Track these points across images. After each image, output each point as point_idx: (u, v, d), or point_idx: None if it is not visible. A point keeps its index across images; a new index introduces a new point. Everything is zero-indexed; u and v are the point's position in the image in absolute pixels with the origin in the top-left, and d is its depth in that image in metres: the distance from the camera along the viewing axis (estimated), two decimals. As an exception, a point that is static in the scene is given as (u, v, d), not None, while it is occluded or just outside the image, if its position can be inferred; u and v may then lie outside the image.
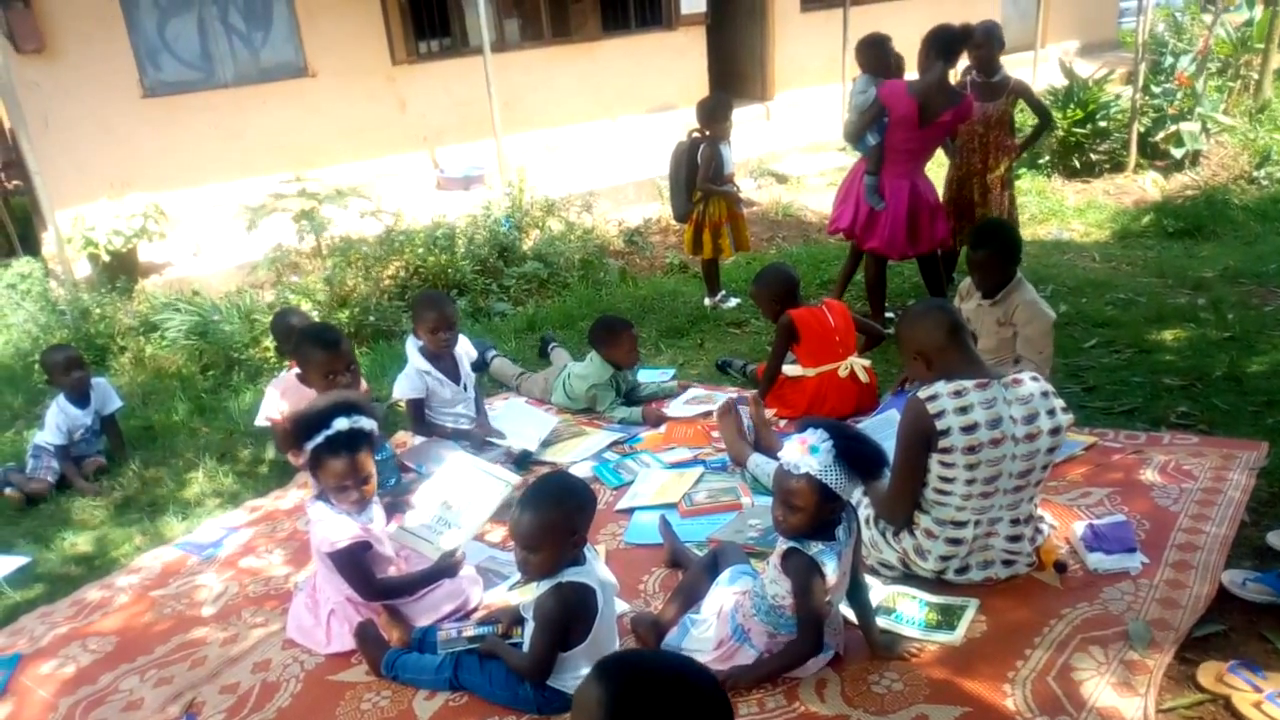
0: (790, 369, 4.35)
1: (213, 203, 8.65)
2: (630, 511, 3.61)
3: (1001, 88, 5.45)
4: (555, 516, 2.41)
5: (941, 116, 4.83)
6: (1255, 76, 10.02)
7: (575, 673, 2.50)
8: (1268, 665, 2.42)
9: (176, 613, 3.27)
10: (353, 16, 9.56)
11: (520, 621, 2.65)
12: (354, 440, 2.81)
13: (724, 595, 2.71)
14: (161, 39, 8.81)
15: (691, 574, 2.92)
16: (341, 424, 2.80)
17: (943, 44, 4.82)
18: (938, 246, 5.27)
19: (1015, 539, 2.81)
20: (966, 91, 5.17)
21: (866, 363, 4.32)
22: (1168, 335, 4.90)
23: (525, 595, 2.83)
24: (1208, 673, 2.42)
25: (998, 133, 5.45)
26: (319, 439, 2.78)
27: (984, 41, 5.40)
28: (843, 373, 4.24)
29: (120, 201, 7.39)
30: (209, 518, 3.96)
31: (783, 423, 4.24)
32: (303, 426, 2.83)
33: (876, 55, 5.52)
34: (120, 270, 7.29)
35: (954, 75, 5.23)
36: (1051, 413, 2.72)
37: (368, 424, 2.86)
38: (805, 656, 2.52)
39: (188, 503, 4.12)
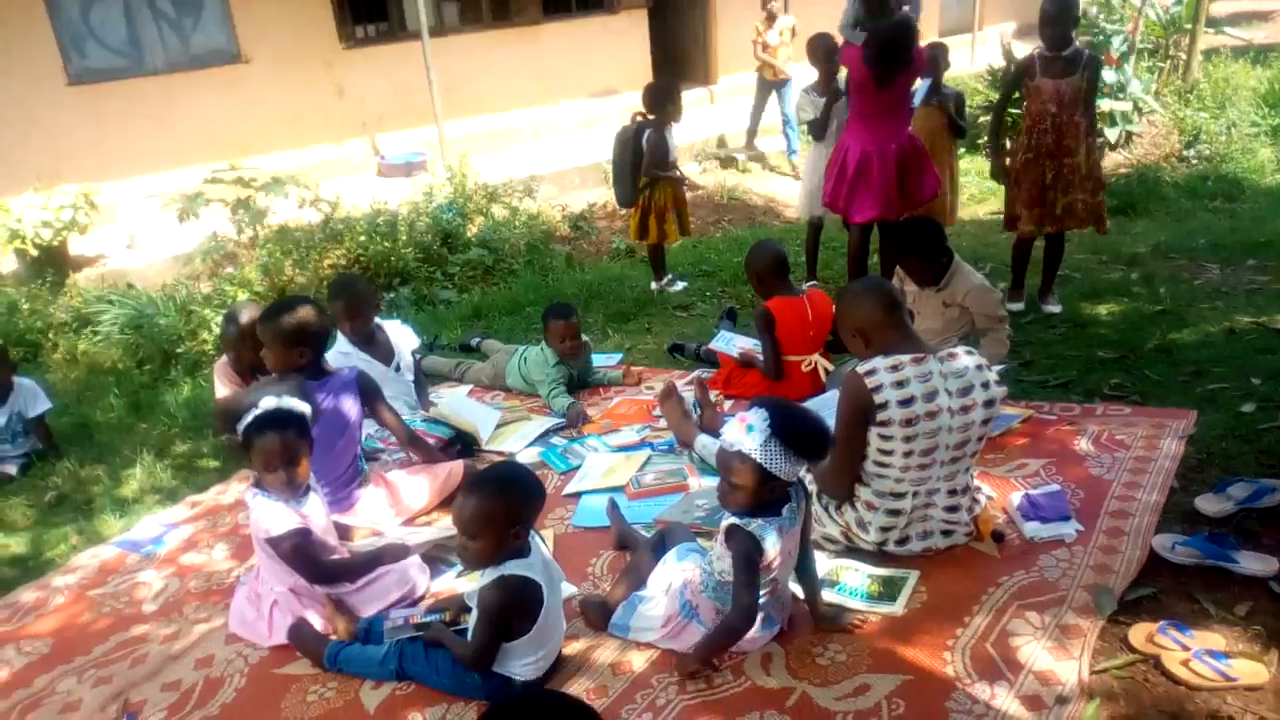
0: (754, 349, 4.35)
1: (146, 193, 8.42)
2: (578, 495, 3.61)
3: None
4: (497, 506, 2.39)
5: (897, 83, 4.86)
6: (1184, 57, 10.26)
7: (522, 660, 2.50)
8: (1195, 624, 2.51)
9: (116, 611, 3.20)
10: (287, 1, 9.36)
11: (467, 609, 2.63)
12: (282, 420, 2.78)
13: (671, 572, 2.73)
14: (86, 25, 8.54)
15: (639, 555, 2.94)
16: (269, 403, 2.78)
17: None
18: (930, 200, 5.20)
19: (953, 509, 2.87)
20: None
21: (830, 365, 4.26)
22: (1102, 310, 5.03)
23: (472, 582, 2.82)
24: (1139, 634, 2.49)
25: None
26: (248, 419, 2.76)
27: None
28: (805, 367, 4.21)
29: (48, 193, 7.16)
30: (148, 514, 3.88)
31: (728, 404, 4.26)
32: (234, 409, 2.82)
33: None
34: (49, 264, 7.08)
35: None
36: (985, 385, 2.78)
37: (297, 406, 2.83)
38: (736, 632, 2.48)
39: (125, 500, 4.02)
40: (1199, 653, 2.36)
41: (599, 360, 4.88)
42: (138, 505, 3.97)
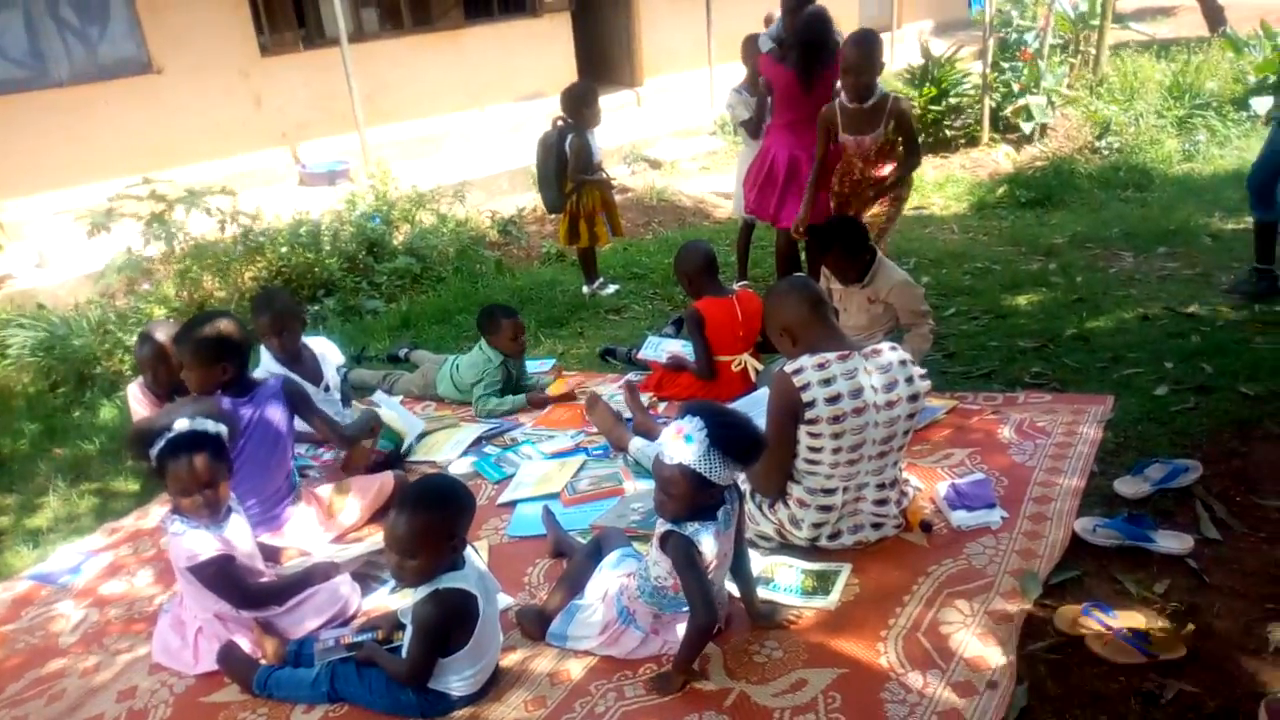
0: (682, 352, 4.35)
1: (55, 210, 8.10)
2: (513, 504, 3.57)
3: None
4: (433, 520, 2.35)
5: (822, 80, 4.83)
6: (1094, 52, 10.59)
7: (459, 675, 2.46)
8: (1117, 604, 2.57)
9: (30, 647, 3.07)
10: (199, 8, 9.12)
11: (401, 626, 2.58)
12: (196, 442, 2.69)
13: (609, 579, 2.71)
14: (-16, 36, 8.21)
15: (576, 562, 2.91)
16: (182, 424, 2.69)
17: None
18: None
19: (882, 503, 2.91)
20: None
21: (759, 365, 4.26)
22: (1022, 300, 5.16)
23: (405, 599, 2.77)
24: (1064, 616, 2.55)
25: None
26: (161, 443, 2.66)
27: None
28: (735, 367, 4.22)
29: (-52, 212, 6.86)
30: (63, 544, 3.73)
31: (662, 405, 4.27)
32: (145, 433, 2.71)
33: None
34: (-48, 286, 6.78)
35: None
36: (910, 380, 2.83)
37: (212, 426, 2.75)
38: (705, 629, 2.46)
39: (38, 530, 3.86)
40: (1121, 632, 2.43)
41: (532, 366, 4.84)
42: (52, 534, 3.82)
